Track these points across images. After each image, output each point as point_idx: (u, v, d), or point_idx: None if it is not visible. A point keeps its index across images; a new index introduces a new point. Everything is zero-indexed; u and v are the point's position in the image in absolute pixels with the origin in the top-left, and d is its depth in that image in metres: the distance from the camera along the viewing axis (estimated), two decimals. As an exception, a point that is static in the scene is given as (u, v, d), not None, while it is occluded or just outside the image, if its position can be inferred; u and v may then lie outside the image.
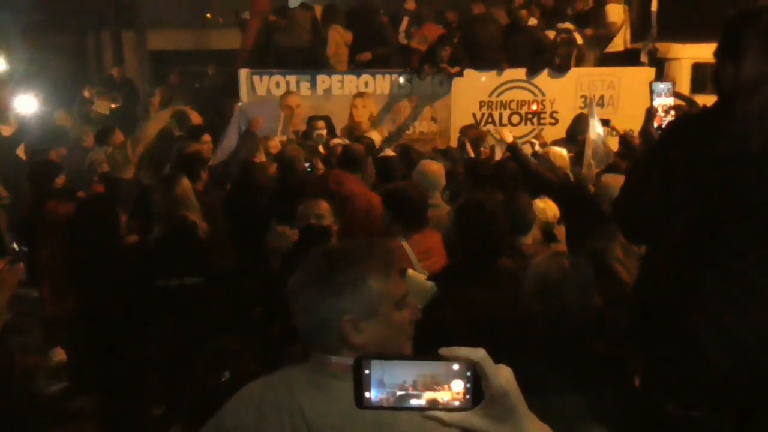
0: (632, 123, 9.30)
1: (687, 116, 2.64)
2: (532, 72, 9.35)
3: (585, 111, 9.12)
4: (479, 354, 1.00)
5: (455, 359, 1.00)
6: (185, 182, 4.25)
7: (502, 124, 9.47)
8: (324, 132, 7.09)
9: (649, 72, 9.47)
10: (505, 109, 9.51)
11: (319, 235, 3.16)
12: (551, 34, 9.62)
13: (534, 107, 9.44)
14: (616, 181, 4.24)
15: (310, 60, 9.08)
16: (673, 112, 2.97)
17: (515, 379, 1.02)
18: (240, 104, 7.79)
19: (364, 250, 1.68)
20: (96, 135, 7.31)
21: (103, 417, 4.09)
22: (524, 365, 2.56)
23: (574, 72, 9.51)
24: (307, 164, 6.06)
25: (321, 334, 1.63)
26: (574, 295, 2.37)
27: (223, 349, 2.71)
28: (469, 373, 0.99)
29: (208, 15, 9.95)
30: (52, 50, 12.66)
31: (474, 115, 9.44)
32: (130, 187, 5.64)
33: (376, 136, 7.07)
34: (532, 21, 9.67)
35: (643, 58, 10.02)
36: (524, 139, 9.23)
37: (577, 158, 6.76)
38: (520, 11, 9.46)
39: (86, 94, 10.60)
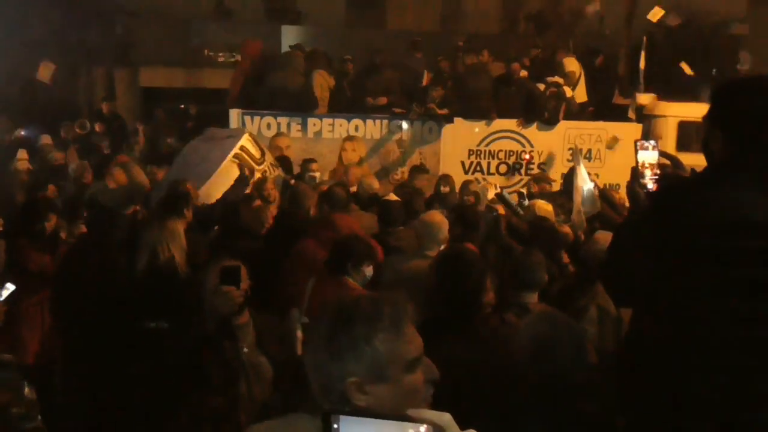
0: (619, 177, 9.49)
1: (680, 180, 2.60)
2: (523, 123, 9.44)
3: (573, 163, 9.24)
4: (444, 419, 1.04)
5: (422, 421, 1.02)
6: (177, 222, 4.20)
7: (489, 174, 9.54)
8: (318, 174, 7.06)
9: (636, 128, 9.63)
10: (493, 158, 9.57)
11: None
12: (541, 86, 9.77)
13: (527, 156, 9.49)
14: (606, 240, 4.25)
15: (302, 102, 9.14)
16: (657, 170, 2.91)
17: None
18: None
19: (371, 306, 1.56)
20: (95, 169, 7.25)
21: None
22: (514, 425, 2.50)
23: (563, 125, 9.62)
24: None
25: (327, 395, 1.54)
26: (567, 355, 2.31)
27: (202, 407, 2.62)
28: None
29: (207, 51, 10.01)
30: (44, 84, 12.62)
31: (462, 163, 9.49)
32: (125, 222, 5.55)
33: (373, 182, 7.06)
34: (523, 73, 9.82)
35: (631, 114, 10.19)
36: (511, 189, 9.31)
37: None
38: (512, 63, 9.61)
39: (78, 130, 10.57)
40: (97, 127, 11.33)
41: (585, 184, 6.91)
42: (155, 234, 4.03)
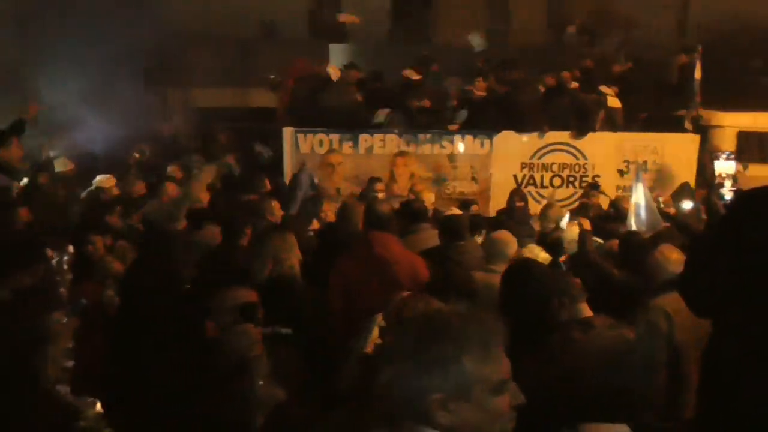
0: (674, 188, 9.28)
1: (763, 188, 2.54)
2: (576, 135, 9.32)
3: (629, 176, 9.09)
4: None
5: None
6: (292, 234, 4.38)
7: (543, 186, 9.44)
8: (382, 194, 7.08)
9: (694, 139, 9.41)
10: (546, 171, 9.47)
11: None
12: (592, 96, 9.66)
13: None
14: (668, 253, 4.20)
15: (353, 119, 9.21)
16: (735, 181, 2.87)
17: None
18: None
19: (462, 323, 1.54)
20: (149, 187, 7.44)
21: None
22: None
23: (618, 136, 9.47)
24: None
25: (407, 409, 1.50)
26: (639, 371, 2.25)
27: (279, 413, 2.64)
28: None
29: (271, 77, 10.15)
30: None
31: (515, 176, 9.42)
32: (178, 239, 5.68)
33: (429, 196, 7.06)
34: (574, 84, 9.71)
35: (688, 125, 9.98)
36: (565, 202, 9.21)
37: None
38: (563, 74, 9.52)
39: (136, 155, 10.88)
40: (148, 150, 11.61)
41: (641, 201, 6.78)
42: (278, 244, 4.19)
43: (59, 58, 11.71)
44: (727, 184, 2.65)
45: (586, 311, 3.28)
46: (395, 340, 1.59)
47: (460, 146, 9.31)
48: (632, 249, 5.09)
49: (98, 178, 8.48)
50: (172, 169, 9.13)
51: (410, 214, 5.59)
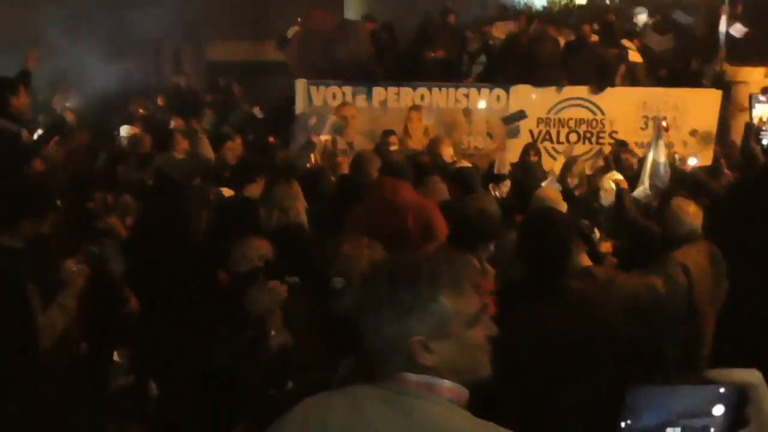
0: (695, 146, 9.10)
1: None
2: (595, 90, 9.11)
3: (648, 132, 8.92)
4: (756, 377, 0.96)
5: (727, 383, 0.97)
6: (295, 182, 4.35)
7: (559, 142, 9.29)
8: (396, 147, 6.98)
9: (716, 94, 9.18)
10: (563, 126, 9.30)
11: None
12: (613, 51, 9.42)
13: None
14: (683, 206, 4.11)
15: (367, 72, 9.06)
16: None
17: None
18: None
19: (432, 264, 1.56)
20: (158, 142, 7.38)
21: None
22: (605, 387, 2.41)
23: (638, 91, 9.27)
24: None
25: (390, 356, 1.51)
26: (665, 320, 2.19)
27: (287, 359, 2.61)
28: (734, 397, 0.96)
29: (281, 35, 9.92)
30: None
31: (531, 132, 9.27)
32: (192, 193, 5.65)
33: (447, 150, 6.96)
34: (594, 38, 9.45)
35: (706, 80, 9.73)
36: (583, 158, 9.05)
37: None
38: (583, 27, 9.27)
39: (141, 111, 10.81)
40: (160, 101, 11.55)
41: (660, 158, 6.67)
42: (284, 192, 4.15)
43: (69, 13, 11.62)
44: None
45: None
46: (365, 291, 1.58)
47: (479, 102, 9.15)
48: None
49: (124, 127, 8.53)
50: (176, 124, 9.04)
51: (416, 167, 5.49)
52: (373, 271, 1.63)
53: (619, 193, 5.12)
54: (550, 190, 4.58)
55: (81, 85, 11.33)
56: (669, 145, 7.60)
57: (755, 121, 2.73)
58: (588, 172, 6.62)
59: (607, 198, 5.60)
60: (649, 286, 2.21)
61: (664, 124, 7.39)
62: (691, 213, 4.03)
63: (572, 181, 5.77)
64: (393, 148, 6.79)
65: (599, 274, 3.06)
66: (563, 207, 4.27)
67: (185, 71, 13.72)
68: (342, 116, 8.26)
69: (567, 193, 5.24)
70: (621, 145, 7.80)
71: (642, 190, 6.40)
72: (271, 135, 8.64)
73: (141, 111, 10.91)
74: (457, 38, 9.70)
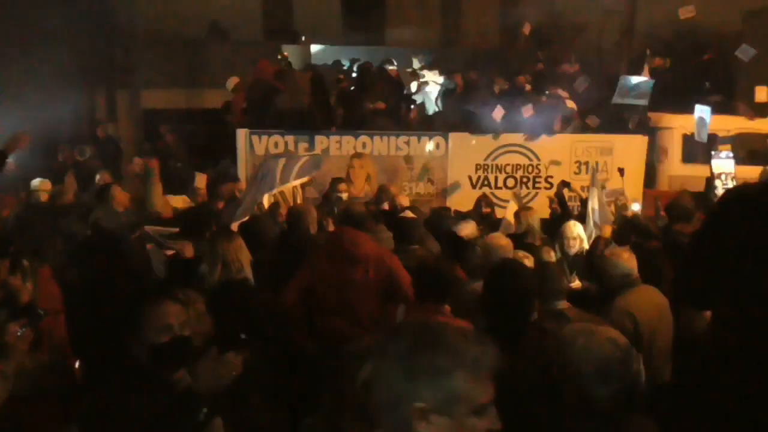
0: (626, 189, 9.50)
1: (744, 187, 2.55)
2: (531, 137, 9.45)
3: (581, 176, 9.28)
4: None
5: None
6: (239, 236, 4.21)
7: (497, 187, 9.54)
8: (346, 195, 7.01)
9: (643, 140, 9.66)
10: (500, 172, 9.58)
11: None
12: (542, 98, 9.82)
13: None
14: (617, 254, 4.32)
15: (308, 121, 9.14)
16: (732, 179, 2.85)
17: None
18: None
19: (460, 339, 1.53)
20: (96, 194, 7.12)
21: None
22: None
23: (569, 138, 9.64)
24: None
25: (387, 413, 1.49)
26: (636, 370, 2.28)
27: None
28: None
29: (234, 79, 9.72)
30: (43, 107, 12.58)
31: (470, 178, 9.50)
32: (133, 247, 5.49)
33: (404, 200, 7.08)
34: (528, 87, 9.85)
35: (632, 125, 10.23)
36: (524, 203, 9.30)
37: None
38: (517, 77, 9.64)
39: (77, 157, 10.52)
40: (88, 151, 11.26)
41: (596, 206, 6.95)
42: (225, 247, 4.04)
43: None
44: (719, 183, 2.67)
45: (559, 305, 3.33)
46: (388, 342, 1.55)
47: (416, 148, 9.35)
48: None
49: (35, 181, 8.09)
50: (102, 176, 8.70)
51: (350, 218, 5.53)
52: (401, 326, 1.60)
53: (596, 240, 5.28)
54: (500, 237, 4.68)
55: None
56: (605, 190, 7.91)
57: (714, 175, 2.90)
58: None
59: (572, 246, 5.74)
60: (613, 343, 2.28)
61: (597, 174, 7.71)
62: (625, 258, 4.22)
63: (518, 228, 5.96)
64: (343, 195, 6.84)
65: (573, 315, 3.15)
66: (511, 254, 4.39)
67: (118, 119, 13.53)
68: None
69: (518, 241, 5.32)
70: (565, 186, 8.05)
71: (590, 233, 6.63)
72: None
73: (78, 157, 10.63)
74: (394, 85, 9.91)
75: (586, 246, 5.85)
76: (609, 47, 13.61)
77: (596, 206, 7.00)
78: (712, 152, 2.95)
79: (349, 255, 4.32)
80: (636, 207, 7.67)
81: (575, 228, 5.91)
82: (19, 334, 3.07)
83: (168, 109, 13.99)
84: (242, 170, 9.01)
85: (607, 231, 6.15)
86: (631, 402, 2.29)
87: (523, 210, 6.49)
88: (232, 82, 9.60)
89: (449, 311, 3.70)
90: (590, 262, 5.21)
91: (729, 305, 2.16)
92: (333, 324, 4.11)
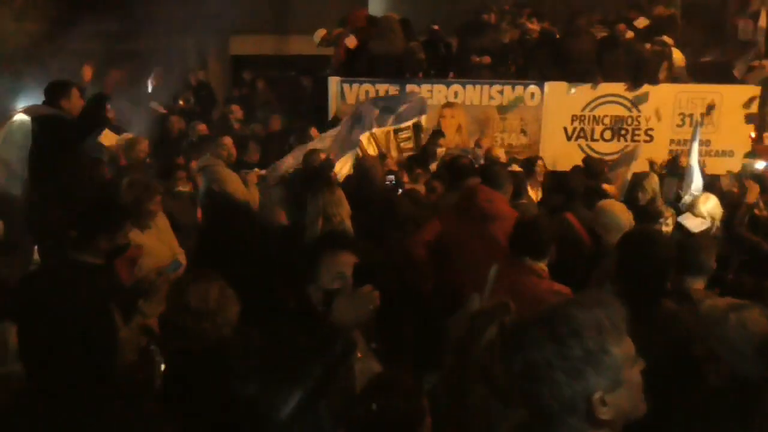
0: (733, 142, 9.00)
1: None
2: (632, 87, 9.00)
3: (684, 129, 8.83)
4: None
5: None
6: (341, 193, 4.22)
7: (593, 140, 9.19)
8: (442, 150, 6.89)
9: (755, 90, 9.04)
10: (597, 124, 9.20)
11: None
12: (648, 47, 9.29)
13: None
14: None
15: (401, 67, 8.98)
16: None
17: None
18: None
19: (589, 313, 1.51)
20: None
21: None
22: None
23: (673, 88, 9.13)
24: (391, 177, 5.97)
25: (564, 418, 1.49)
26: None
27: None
28: None
29: (321, 32, 9.52)
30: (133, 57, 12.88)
31: (565, 129, 9.18)
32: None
33: (500, 152, 6.93)
34: (629, 34, 9.32)
35: (737, 73, 9.60)
36: (614, 156, 8.97)
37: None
38: (618, 25, 9.14)
39: (181, 102, 10.75)
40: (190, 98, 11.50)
41: (695, 163, 6.53)
42: (327, 199, 4.05)
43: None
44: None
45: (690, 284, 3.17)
46: (527, 353, 1.52)
47: (510, 97, 9.06)
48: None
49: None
50: (201, 128, 8.87)
51: (457, 169, 5.40)
52: (520, 332, 1.57)
53: (734, 206, 4.94)
54: (615, 203, 4.48)
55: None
56: (706, 143, 7.48)
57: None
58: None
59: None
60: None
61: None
62: None
63: (643, 197, 5.58)
64: (440, 150, 6.73)
65: (698, 297, 2.98)
66: (630, 218, 4.20)
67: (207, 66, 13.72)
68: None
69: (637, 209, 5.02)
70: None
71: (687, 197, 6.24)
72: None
73: (181, 103, 10.90)
74: (496, 35, 9.56)
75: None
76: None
77: (695, 164, 6.53)
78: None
79: (483, 212, 4.20)
80: (760, 166, 7.14)
81: (709, 202, 5.22)
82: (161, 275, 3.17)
83: (256, 54, 14.08)
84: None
85: (754, 193, 5.53)
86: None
87: (644, 176, 6.06)
88: (319, 35, 9.47)
89: (546, 272, 3.60)
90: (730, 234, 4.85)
91: None
92: (456, 280, 4.04)
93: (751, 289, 4.10)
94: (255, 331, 2.35)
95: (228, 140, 6.31)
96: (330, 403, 2.27)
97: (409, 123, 7.43)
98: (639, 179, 5.92)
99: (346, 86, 8.95)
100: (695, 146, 6.75)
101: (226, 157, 6.13)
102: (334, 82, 8.99)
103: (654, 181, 5.84)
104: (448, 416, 2.55)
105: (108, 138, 6.62)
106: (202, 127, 8.90)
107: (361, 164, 5.50)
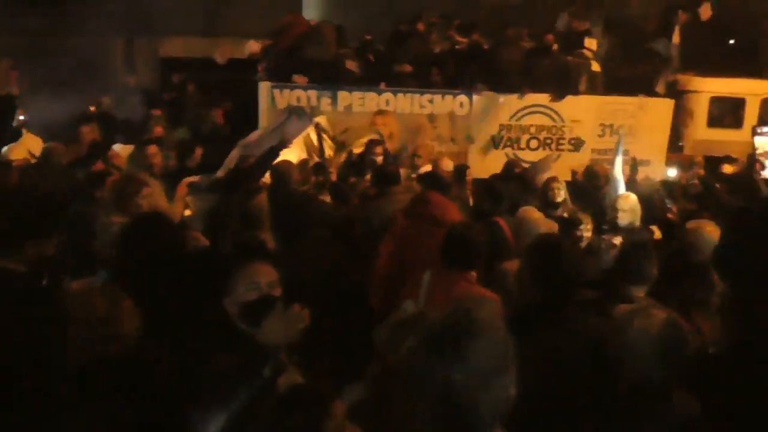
0: (650, 153, 9.41)
1: None
2: (556, 97, 9.31)
3: (605, 139, 9.19)
4: None
5: None
6: (262, 197, 4.13)
7: (520, 148, 9.45)
8: (381, 158, 6.90)
9: (669, 103, 9.51)
10: (524, 133, 9.47)
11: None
12: (576, 60, 9.63)
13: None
14: (702, 228, 4.07)
15: (333, 74, 9.02)
16: None
17: None
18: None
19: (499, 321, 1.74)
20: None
21: None
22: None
23: (595, 99, 9.50)
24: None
25: (481, 413, 1.66)
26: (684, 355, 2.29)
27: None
28: None
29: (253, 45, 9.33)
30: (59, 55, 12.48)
31: (493, 138, 9.41)
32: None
33: (447, 164, 7.04)
34: (554, 46, 9.65)
35: (659, 88, 10.06)
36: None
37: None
38: (545, 36, 9.44)
39: (105, 101, 10.46)
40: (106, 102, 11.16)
41: (618, 174, 6.75)
42: (246, 205, 4.02)
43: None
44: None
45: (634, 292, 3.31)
46: (465, 347, 1.64)
47: (440, 106, 9.23)
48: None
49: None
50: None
51: (383, 176, 5.48)
52: (466, 326, 1.68)
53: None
54: (534, 211, 4.64)
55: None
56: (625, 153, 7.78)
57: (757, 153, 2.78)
58: None
59: (622, 219, 5.35)
60: (671, 324, 2.27)
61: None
62: (709, 230, 3.98)
63: (553, 198, 5.81)
64: (379, 158, 6.77)
65: (642, 304, 3.08)
66: (548, 226, 4.36)
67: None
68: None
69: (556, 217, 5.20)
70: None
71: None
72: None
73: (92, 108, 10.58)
74: (424, 45, 9.72)
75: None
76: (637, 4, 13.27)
77: (618, 175, 6.77)
78: (756, 129, 2.79)
79: (435, 219, 4.24)
80: (672, 173, 7.47)
81: (630, 199, 5.49)
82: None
83: (186, 57, 13.83)
84: (263, 124, 8.92)
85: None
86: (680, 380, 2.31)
87: (557, 181, 6.30)
88: (250, 47, 9.40)
89: (475, 278, 3.70)
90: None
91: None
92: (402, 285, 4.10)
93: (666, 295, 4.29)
94: (172, 346, 2.33)
95: (152, 149, 6.16)
96: (257, 426, 2.25)
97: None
98: (548, 183, 6.14)
99: (276, 92, 8.91)
100: (619, 158, 6.98)
101: (152, 166, 5.99)
102: (264, 87, 8.94)
103: (563, 185, 6.07)
104: (373, 426, 2.59)
105: (19, 150, 6.39)
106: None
107: (275, 168, 5.49)
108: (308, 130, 7.43)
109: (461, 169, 7.19)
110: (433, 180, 4.78)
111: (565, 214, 5.49)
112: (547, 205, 5.70)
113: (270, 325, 2.33)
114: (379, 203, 5.16)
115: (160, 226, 3.33)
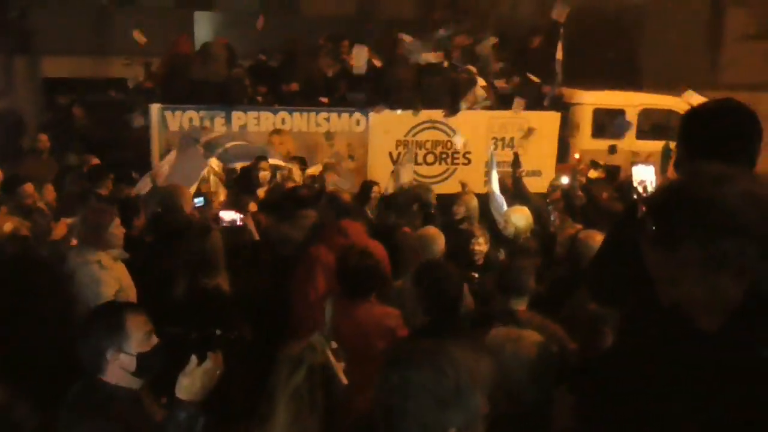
0: (540, 164, 9.82)
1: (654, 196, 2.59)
2: (449, 113, 9.53)
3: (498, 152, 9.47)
4: None
5: None
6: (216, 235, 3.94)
7: (417, 164, 9.61)
8: (267, 174, 6.80)
9: (555, 116, 9.96)
10: (420, 148, 9.65)
11: None
12: (463, 76, 9.89)
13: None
14: (591, 238, 4.10)
15: (225, 94, 8.87)
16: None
17: None
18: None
19: (470, 359, 1.63)
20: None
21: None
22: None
23: (486, 114, 9.80)
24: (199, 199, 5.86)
25: None
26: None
27: None
28: None
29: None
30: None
31: (390, 154, 9.53)
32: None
33: (332, 177, 6.99)
34: (445, 63, 9.89)
35: (546, 102, 10.49)
36: (438, 179, 9.49)
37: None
38: (436, 53, 9.66)
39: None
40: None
41: (496, 189, 6.93)
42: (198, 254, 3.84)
43: None
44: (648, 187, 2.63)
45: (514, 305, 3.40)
46: (406, 372, 1.61)
47: (336, 124, 9.26)
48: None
49: None
50: None
51: (296, 199, 5.43)
52: (414, 355, 1.64)
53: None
54: (432, 229, 4.73)
55: None
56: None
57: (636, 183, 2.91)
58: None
59: (510, 231, 5.49)
60: (541, 347, 2.35)
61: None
62: (598, 240, 4.10)
63: (459, 211, 5.94)
64: (263, 174, 6.68)
65: (524, 318, 3.19)
66: (442, 242, 4.46)
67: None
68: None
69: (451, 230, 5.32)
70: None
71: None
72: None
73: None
74: (312, 65, 9.71)
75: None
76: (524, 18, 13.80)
77: (496, 190, 6.90)
78: (633, 164, 3.00)
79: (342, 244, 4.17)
80: (564, 180, 7.78)
81: (518, 212, 5.65)
82: None
83: (71, 78, 13.23)
84: (155, 147, 8.67)
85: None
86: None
87: (465, 194, 6.42)
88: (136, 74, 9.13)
89: (374, 299, 3.71)
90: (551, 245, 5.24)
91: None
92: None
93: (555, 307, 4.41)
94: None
95: (28, 188, 5.74)
96: None
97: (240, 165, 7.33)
98: (457, 198, 6.25)
99: (168, 113, 8.67)
100: (494, 173, 7.16)
101: (29, 205, 5.60)
102: (155, 110, 8.68)
103: (470, 200, 6.19)
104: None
105: None
106: None
107: (165, 191, 5.32)
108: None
109: (367, 186, 7.09)
110: (338, 206, 4.73)
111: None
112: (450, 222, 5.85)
113: (186, 383, 2.28)
114: (286, 227, 5.07)
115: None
